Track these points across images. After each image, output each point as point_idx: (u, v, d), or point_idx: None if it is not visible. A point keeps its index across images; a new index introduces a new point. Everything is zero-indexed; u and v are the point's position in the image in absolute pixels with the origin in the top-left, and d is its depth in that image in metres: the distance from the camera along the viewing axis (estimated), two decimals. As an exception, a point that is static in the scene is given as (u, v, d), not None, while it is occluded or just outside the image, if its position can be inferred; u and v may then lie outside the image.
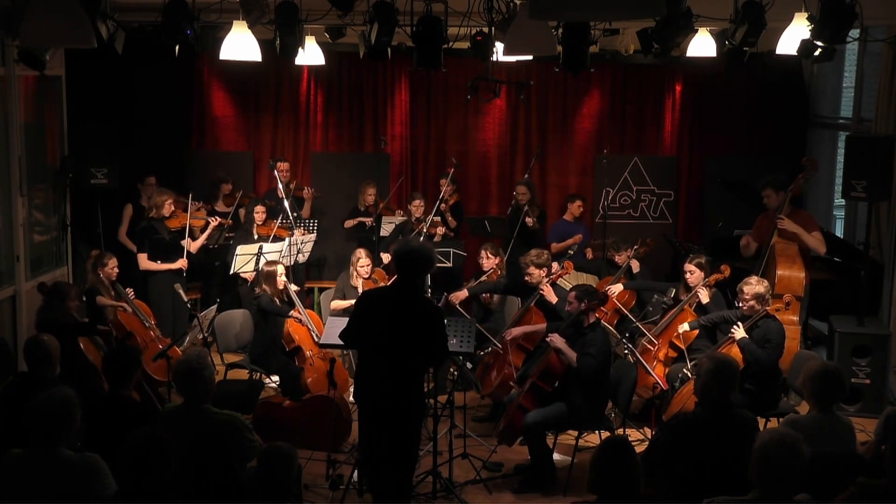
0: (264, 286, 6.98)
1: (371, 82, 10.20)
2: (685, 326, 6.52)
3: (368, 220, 8.91)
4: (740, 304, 6.19)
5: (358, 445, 5.32)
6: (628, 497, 3.60)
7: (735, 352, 5.99)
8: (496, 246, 7.82)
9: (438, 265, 7.69)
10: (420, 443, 5.30)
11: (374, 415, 4.98)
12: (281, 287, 7.02)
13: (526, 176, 9.66)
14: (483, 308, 7.58)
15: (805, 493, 3.62)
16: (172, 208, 7.91)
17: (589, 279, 7.95)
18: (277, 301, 7.00)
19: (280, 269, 7.05)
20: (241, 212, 9.11)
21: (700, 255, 7.09)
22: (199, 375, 4.50)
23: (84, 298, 7.03)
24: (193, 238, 8.02)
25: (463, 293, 7.32)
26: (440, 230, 8.73)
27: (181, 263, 7.82)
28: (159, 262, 7.76)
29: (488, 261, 7.63)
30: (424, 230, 8.25)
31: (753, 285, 6.12)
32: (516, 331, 6.47)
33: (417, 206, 8.88)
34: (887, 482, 3.74)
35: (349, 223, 9.16)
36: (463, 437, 6.31)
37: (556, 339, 5.86)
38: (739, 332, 6.06)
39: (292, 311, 7.04)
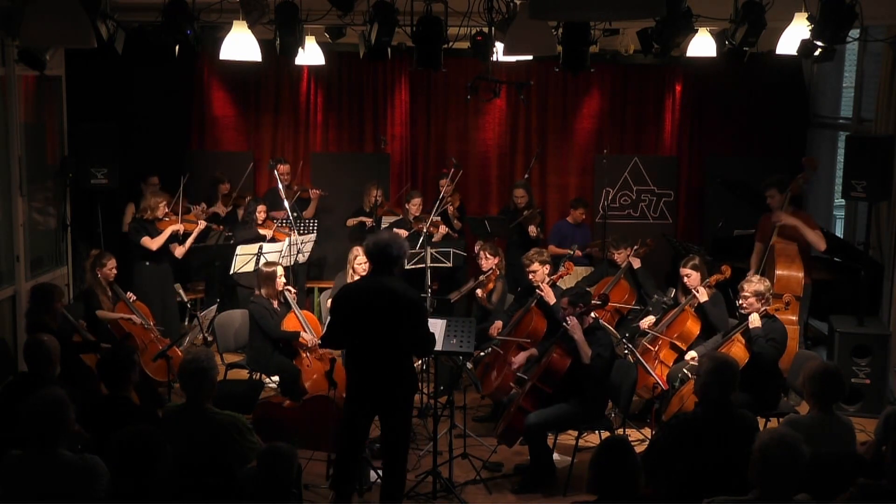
0: (262, 288, 6.98)
1: (371, 82, 10.20)
2: (693, 354, 6.46)
3: (369, 221, 8.92)
4: (740, 301, 6.19)
5: (338, 443, 5.32)
6: (628, 497, 3.60)
7: (735, 352, 5.99)
8: (494, 246, 7.79)
9: (439, 265, 7.70)
10: (411, 431, 5.40)
11: (368, 407, 5.09)
12: (280, 289, 7.01)
13: (526, 176, 9.66)
14: (481, 309, 7.57)
15: (805, 493, 3.62)
16: (166, 210, 7.89)
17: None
18: (276, 303, 7.00)
19: (279, 270, 7.04)
20: (240, 212, 9.11)
21: (693, 256, 7.04)
22: (206, 375, 4.52)
23: (82, 300, 7.04)
24: (181, 243, 8.00)
25: (498, 324, 7.13)
26: (442, 229, 8.71)
27: (175, 250, 7.87)
28: (151, 254, 7.79)
29: (487, 261, 7.59)
30: (424, 230, 8.24)
31: (754, 283, 6.14)
32: (518, 359, 6.44)
33: (416, 206, 8.88)
34: (887, 482, 3.74)
35: (351, 222, 9.19)
36: (463, 437, 6.31)
37: (577, 329, 5.80)
38: (755, 321, 6.03)
39: (287, 316, 7.03)
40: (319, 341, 6.78)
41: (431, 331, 5.64)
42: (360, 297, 5.05)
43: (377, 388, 5.03)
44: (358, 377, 5.09)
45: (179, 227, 7.89)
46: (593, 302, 6.01)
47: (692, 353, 6.47)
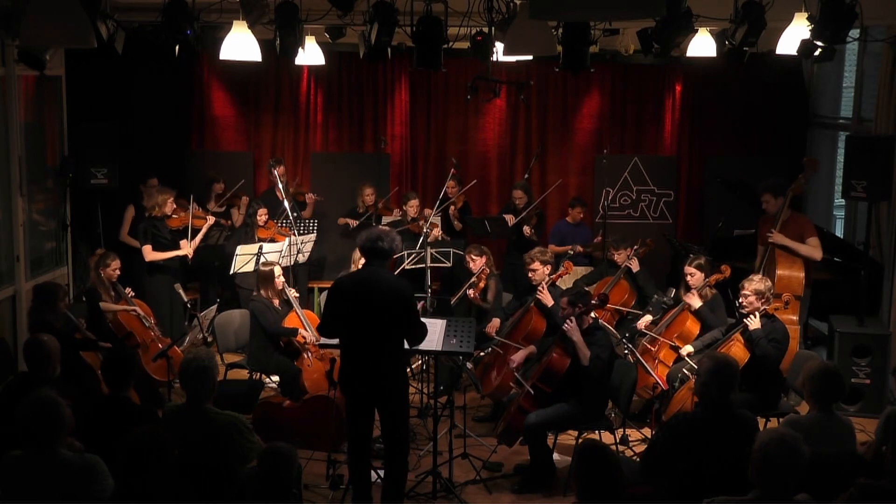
0: (261, 289, 6.98)
1: (371, 82, 10.20)
2: (689, 349, 6.50)
3: (353, 222, 8.95)
4: (741, 300, 6.18)
5: (348, 448, 5.36)
6: (616, 496, 3.60)
7: (735, 351, 5.99)
8: (479, 246, 7.77)
9: (439, 265, 7.69)
10: (409, 420, 5.45)
11: (362, 397, 5.15)
12: (279, 288, 7.02)
13: (526, 176, 9.65)
14: (479, 309, 7.56)
15: (805, 493, 3.62)
16: (174, 206, 7.92)
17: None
18: (276, 302, 7.00)
19: (277, 270, 7.03)
20: (234, 211, 9.11)
21: (699, 256, 7.08)
22: (207, 374, 4.53)
23: (84, 298, 7.03)
24: (191, 239, 8.01)
25: (496, 322, 7.18)
26: (437, 232, 8.71)
27: (185, 246, 7.86)
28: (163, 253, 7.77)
29: (474, 263, 7.57)
30: (424, 229, 8.23)
31: (755, 282, 6.13)
32: (518, 357, 6.44)
33: (413, 207, 8.89)
34: (887, 482, 3.74)
35: (342, 221, 9.22)
36: (463, 437, 6.31)
37: (574, 332, 5.79)
38: (755, 322, 6.02)
39: (289, 316, 7.02)
40: (318, 338, 6.79)
41: (431, 330, 5.65)
42: (352, 288, 5.16)
43: (370, 379, 5.09)
44: (351, 369, 5.14)
45: (189, 251, 7.88)
46: (592, 302, 6.00)
47: (689, 348, 6.49)
